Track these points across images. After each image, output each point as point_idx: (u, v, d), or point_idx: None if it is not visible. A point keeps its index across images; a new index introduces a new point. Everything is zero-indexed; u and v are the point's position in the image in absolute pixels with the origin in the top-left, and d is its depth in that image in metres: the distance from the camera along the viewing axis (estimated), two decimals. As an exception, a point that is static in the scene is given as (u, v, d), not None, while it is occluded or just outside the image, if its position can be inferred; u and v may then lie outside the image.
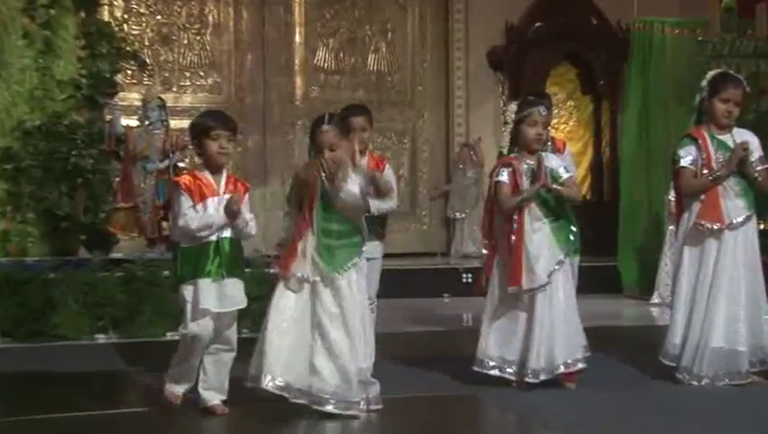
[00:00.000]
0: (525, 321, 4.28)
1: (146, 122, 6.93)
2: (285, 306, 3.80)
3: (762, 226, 6.88)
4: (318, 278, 3.81)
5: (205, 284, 3.86)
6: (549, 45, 9.97)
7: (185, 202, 3.91)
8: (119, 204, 6.92)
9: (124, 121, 7.44)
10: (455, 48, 10.41)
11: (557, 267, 4.24)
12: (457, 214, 10.05)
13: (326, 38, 10.27)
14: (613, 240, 8.54)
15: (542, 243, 4.25)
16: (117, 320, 6.03)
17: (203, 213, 3.88)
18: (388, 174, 4.67)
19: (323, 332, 3.77)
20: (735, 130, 4.46)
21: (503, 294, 4.32)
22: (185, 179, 3.99)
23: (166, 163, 6.76)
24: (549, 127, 4.52)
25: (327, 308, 3.80)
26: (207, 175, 3.97)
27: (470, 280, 8.45)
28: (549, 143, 5.04)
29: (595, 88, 10.29)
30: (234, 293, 3.90)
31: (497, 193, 4.41)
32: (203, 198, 3.91)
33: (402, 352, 5.38)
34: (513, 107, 4.49)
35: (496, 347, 4.32)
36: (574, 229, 4.32)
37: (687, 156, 4.42)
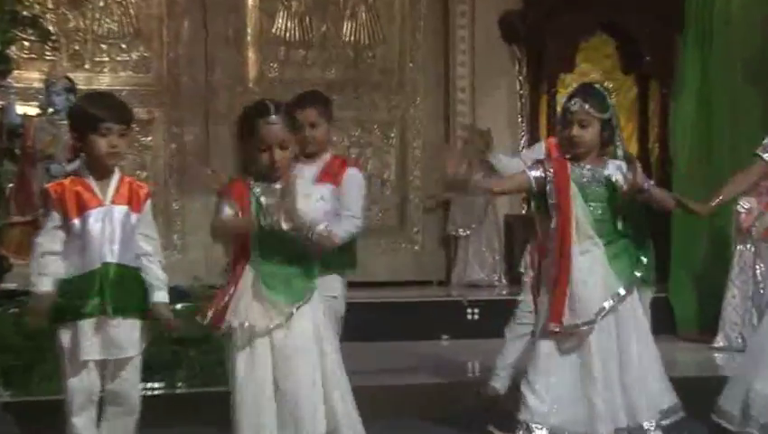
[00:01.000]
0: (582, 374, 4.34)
1: (50, 110, 6.90)
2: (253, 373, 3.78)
3: None
4: (275, 322, 3.79)
5: (86, 326, 3.85)
6: (580, 10, 10.03)
7: (51, 218, 3.92)
8: (14, 219, 6.88)
9: (20, 109, 7.40)
10: (458, 13, 10.44)
11: (611, 302, 4.28)
12: (460, 231, 10.06)
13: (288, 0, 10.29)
14: (663, 265, 8.56)
15: (592, 270, 4.31)
16: (8, 372, 5.97)
17: (81, 231, 3.87)
18: (351, 183, 4.60)
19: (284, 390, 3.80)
20: None
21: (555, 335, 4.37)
22: (56, 187, 3.96)
23: (77, 164, 6.72)
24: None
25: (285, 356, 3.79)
26: (90, 181, 3.95)
27: (476, 317, 8.44)
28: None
29: (640, 65, 10.36)
30: (124, 337, 3.88)
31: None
32: (82, 211, 3.90)
33: (386, 411, 5.36)
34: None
35: (554, 412, 4.32)
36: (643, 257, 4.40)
37: None
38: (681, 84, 8.91)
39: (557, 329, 4.29)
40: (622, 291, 4.33)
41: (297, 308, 3.81)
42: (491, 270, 9.87)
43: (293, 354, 3.79)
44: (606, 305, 4.31)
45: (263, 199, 3.80)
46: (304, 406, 3.76)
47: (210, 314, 3.82)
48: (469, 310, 8.58)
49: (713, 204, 4.63)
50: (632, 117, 10.56)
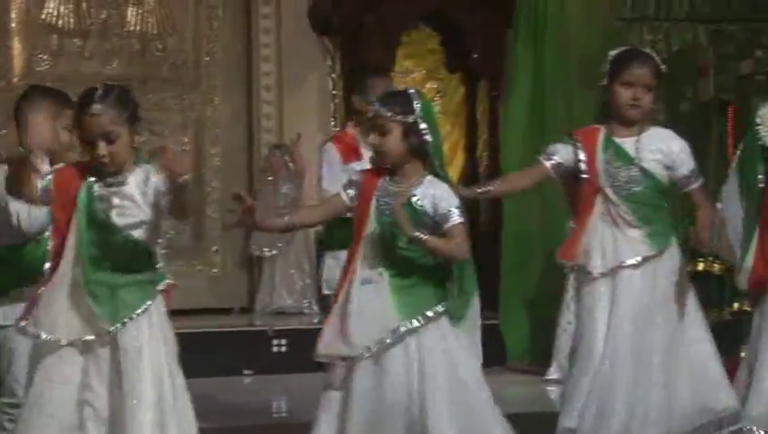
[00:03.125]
0: None
1: None
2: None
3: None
4: (91, 336, 3.86)
5: None
6: (401, 0, 10.16)
7: None
8: None
9: None
10: (261, 1, 10.47)
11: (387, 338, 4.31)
12: (265, 251, 10.06)
13: (62, -20, 10.14)
14: (493, 289, 8.73)
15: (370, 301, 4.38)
16: None
17: None
18: None
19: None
20: (653, 131, 4.72)
21: None
22: None
23: None
24: None
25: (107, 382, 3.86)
26: None
27: (283, 348, 8.46)
28: None
29: (467, 63, 10.57)
30: None
31: None
32: None
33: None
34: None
35: None
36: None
37: (551, 155, 4.74)
38: (512, 85, 9.04)
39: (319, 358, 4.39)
40: (402, 327, 4.32)
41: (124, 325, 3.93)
42: (300, 295, 9.90)
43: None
44: (380, 338, 4.31)
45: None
46: None
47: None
48: (275, 341, 8.61)
49: (478, 191, 4.76)
50: (459, 121, 10.75)
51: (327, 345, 4.34)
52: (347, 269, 4.40)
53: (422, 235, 4.27)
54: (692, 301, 4.82)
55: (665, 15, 8.27)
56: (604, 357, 4.67)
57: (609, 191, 4.67)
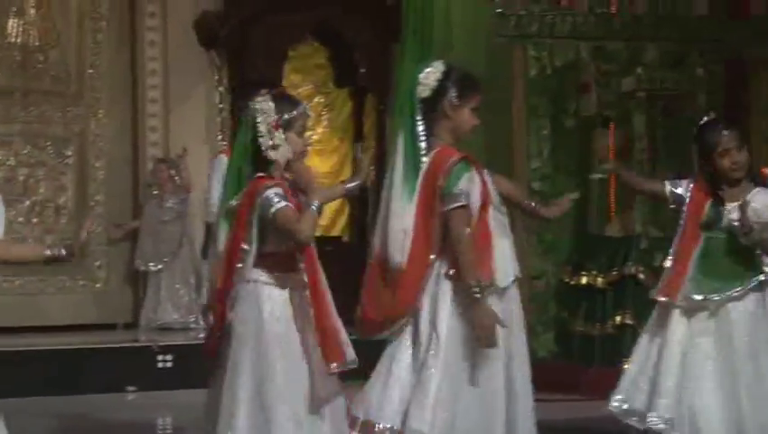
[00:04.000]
0: None
1: None
2: None
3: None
4: None
5: None
6: (288, 14, 10.19)
7: None
8: None
9: None
10: (146, 13, 10.42)
11: None
12: (150, 265, 10.00)
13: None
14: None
15: None
16: None
17: None
18: None
19: None
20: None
21: None
22: None
23: None
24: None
25: None
26: None
27: (169, 364, 8.40)
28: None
29: (355, 78, 10.64)
30: None
31: None
32: None
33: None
34: None
35: None
36: None
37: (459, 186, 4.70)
38: (399, 100, 9.07)
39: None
40: None
41: None
42: (186, 311, 9.86)
43: None
44: None
45: None
46: None
47: None
48: (160, 357, 8.54)
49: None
50: (347, 136, 10.82)
51: None
52: None
53: None
54: None
55: (548, 33, 8.39)
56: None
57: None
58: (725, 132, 4.94)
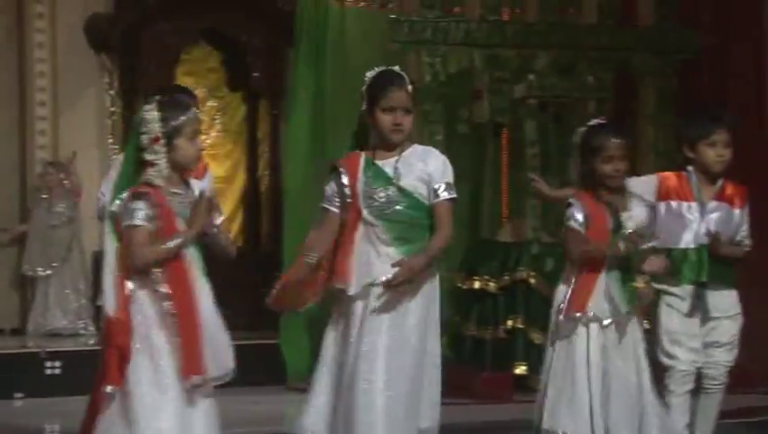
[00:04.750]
0: None
1: None
2: None
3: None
4: None
5: None
6: (180, 17, 10.14)
7: None
8: None
9: None
10: (34, 14, 10.28)
11: None
12: (39, 271, 9.89)
13: None
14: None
15: None
16: None
17: None
18: None
19: None
20: (412, 149, 4.81)
21: None
22: None
23: None
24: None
25: None
26: None
27: (57, 371, 8.31)
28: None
29: (249, 82, 10.62)
30: None
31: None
32: None
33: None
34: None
35: None
36: None
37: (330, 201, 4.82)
38: (293, 105, 9.11)
39: None
40: None
41: None
42: (75, 316, 9.76)
43: None
44: None
45: None
46: None
47: None
48: (48, 363, 8.44)
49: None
50: (240, 141, 10.78)
51: None
52: None
53: None
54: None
55: (442, 39, 8.45)
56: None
57: (365, 211, 4.73)
58: (615, 140, 4.93)
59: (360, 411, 4.60)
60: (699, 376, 5.41)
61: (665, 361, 5.34)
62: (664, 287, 5.32)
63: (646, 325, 5.15)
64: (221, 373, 4.32)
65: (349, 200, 4.76)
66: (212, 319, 4.35)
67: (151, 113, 4.29)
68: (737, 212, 5.41)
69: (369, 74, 4.85)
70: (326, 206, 4.81)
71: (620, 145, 4.95)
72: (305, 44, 8.94)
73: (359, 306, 4.74)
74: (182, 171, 4.40)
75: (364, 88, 4.82)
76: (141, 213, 4.21)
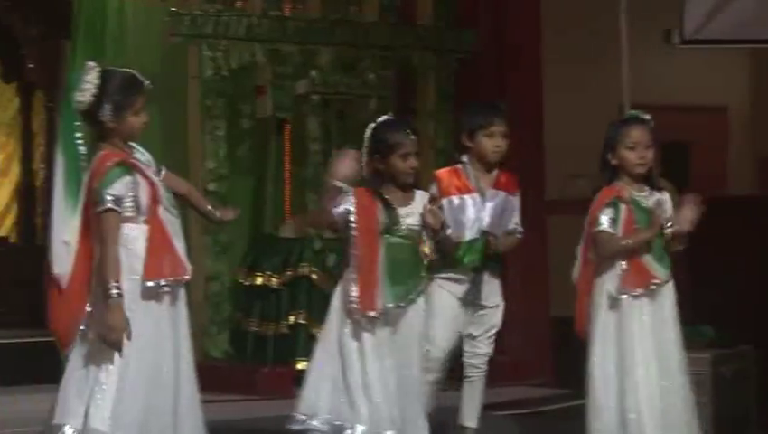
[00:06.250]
0: None
1: None
2: None
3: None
4: None
5: None
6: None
7: None
8: None
9: None
10: None
11: None
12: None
13: None
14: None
15: None
16: None
17: None
18: None
19: None
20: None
21: None
22: None
23: None
24: None
25: None
26: None
27: None
28: None
29: (23, 73, 10.42)
30: None
31: None
32: None
33: None
34: None
35: None
36: None
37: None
38: (69, 97, 8.90)
39: None
40: None
41: None
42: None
43: None
44: None
45: None
46: None
47: None
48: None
49: None
50: (14, 134, 10.58)
51: None
52: None
53: None
54: None
55: (224, 34, 8.42)
56: None
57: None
58: (412, 136, 5.02)
59: None
60: (462, 365, 5.61)
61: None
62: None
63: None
64: None
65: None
66: None
67: None
68: (513, 199, 5.60)
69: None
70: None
71: (415, 142, 5.05)
72: (83, 36, 8.76)
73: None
74: None
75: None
76: None
